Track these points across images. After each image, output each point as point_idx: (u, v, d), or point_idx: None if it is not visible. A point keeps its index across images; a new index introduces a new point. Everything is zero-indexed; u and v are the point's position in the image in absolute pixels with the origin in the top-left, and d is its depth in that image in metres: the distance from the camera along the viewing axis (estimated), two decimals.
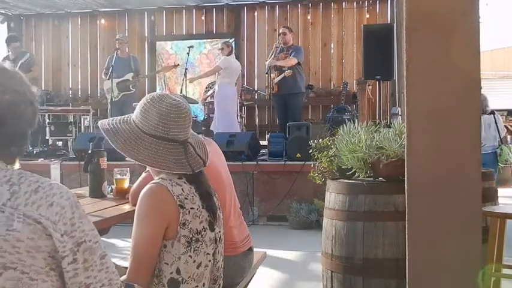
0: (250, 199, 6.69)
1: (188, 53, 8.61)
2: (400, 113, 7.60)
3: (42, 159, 7.31)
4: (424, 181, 2.19)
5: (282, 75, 8.03)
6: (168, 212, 1.83)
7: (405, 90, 2.25)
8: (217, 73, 8.60)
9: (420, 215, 2.19)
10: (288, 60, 8.10)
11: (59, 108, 9.26)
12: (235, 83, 8.54)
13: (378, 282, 3.00)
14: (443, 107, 2.18)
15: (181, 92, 8.17)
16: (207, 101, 9.18)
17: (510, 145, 7.09)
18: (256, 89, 9.96)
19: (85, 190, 3.08)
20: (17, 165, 1.36)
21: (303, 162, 6.27)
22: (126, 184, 2.95)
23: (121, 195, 2.89)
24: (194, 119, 2.04)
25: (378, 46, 6.08)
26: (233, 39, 10.13)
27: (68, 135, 8.39)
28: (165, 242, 1.84)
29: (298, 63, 8.20)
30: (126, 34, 10.19)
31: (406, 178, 2.21)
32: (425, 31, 2.19)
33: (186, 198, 1.86)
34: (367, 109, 8.17)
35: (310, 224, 6.22)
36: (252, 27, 10.72)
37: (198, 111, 9.49)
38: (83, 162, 3.09)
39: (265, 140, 7.98)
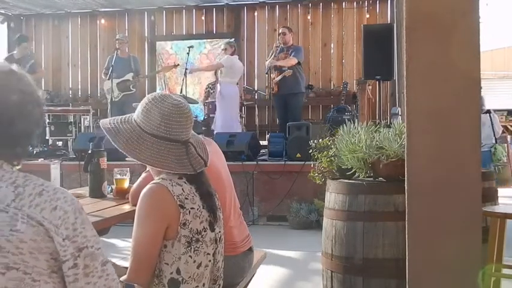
0: (250, 199, 6.68)
1: (188, 53, 8.59)
2: (400, 113, 7.60)
3: (42, 159, 7.30)
4: (424, 181, 2.19)
5: (282, 75, 8.02)
6: (169, 212, 1.83)
7: (405, 90, 2.25)
8: (219, 72, 8.59)
9: (420, 215, 2.19)
10: (288, 60, 8.09)
11: (59, 108, 9.25)
12: (237, 83, 8.54)
13: (377, 282, 3.00)
14: (443, 107, 2.18)
15: (181, 92, 8.16)
16: (207, 101, 9.18)
17: (504, 144, 7.10)
18: (256, 89, 9.95)
19: (85, 190, 3.08)
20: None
21: (303, 162, 6.27)
22: (126, 184, 2.95)
23: (121, 195, 2.89)
24: (194, 119, 2.04)
25: (377, 46, 6.09)
26: (233, 39, 10.12)
27: (68, 135, 8.39)
28: (165, 242, 1.84)
29: (298, 63, 8.20)
30: (126, 34, 10.18)
31: (406, 178, 2.21)
32: (425, 31, 2.19)
33: (186, 198, 1.86)
34: (367, 109, 8.16)
35: (310, 224, 6.22)
36: (252, 27, 10.71)
37: (198, 111, 9.48)
38: (83, 162, 3.09)
39: (265, 140, 7.96)
